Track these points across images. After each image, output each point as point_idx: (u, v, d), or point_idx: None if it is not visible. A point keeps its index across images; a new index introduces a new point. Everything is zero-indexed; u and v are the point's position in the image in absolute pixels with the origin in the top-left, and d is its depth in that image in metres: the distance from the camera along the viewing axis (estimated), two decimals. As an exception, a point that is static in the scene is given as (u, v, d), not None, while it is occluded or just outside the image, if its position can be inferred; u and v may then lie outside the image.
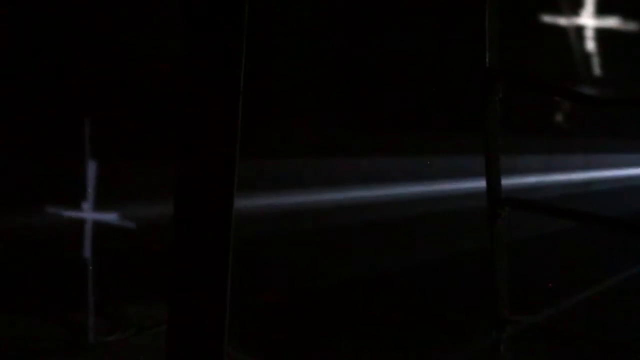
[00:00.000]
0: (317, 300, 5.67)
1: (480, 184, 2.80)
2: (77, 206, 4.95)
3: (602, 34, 9.99)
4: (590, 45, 10.00)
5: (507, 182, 2.75)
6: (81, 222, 4.92)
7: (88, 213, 4.91)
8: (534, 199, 2.97)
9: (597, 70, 10.15)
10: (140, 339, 4.79)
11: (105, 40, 6.20)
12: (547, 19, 9.72)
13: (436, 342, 4.98)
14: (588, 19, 9.91)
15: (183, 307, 2.19)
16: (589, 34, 9.98)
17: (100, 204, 4.95)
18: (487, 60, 2.72)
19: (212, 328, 2.17)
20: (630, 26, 9.97)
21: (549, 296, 5.73)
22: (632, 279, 6.46)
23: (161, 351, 2.23)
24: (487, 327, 2.78)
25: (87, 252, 4.85)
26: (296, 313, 5.36)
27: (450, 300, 5.71)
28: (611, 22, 9.94)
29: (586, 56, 10.04)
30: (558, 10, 9.77)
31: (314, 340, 4.87)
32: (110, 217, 4.96)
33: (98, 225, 4.91)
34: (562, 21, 9.85)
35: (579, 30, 9.96)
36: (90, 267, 4.83)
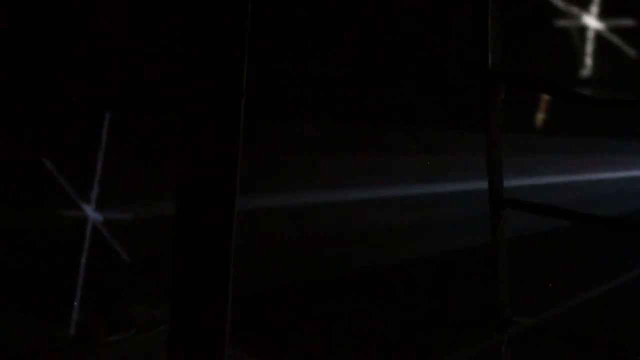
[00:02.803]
0: (317, 295, 5.67)
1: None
2: (79, 204, 4.96)
3: (605, 35, 9.99)
4: (594, 46, 10.00)
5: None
6: (83, 220, 4.93)
7: (90, 211, 4.92)
8: (535, 201, 2.97)
9: (600, 71, 10.15)
10: (142, 338, 4.79)
11: (108, 38, 6.20)
12: (551, 19, 9.72)
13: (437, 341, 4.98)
14: (592, 20, 9.91)
15: (185, 307, 2.20)
16: (593, 35, 9.98)
17: (103, 203, 4.96)
18: (489, 60, 2.72)
19: (214, 328, 2.18)
20: (634, 27, 9.97)
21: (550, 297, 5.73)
22: (635, 280, 6.46)
23: (163, 351, 2.23)
24: (488, 328, 2.78)
25: (89, 250, 4.86)
26: (293, 308, 5.36)
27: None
28: (616, 22, 9.93)
29: (590, 57, 10.04)
30: (561, 11, 9.77)
31: (311, 338, 4.86)
32: (112, 215, 4.97)
33: (100, 223, 4.92)
34: (566, 22, 9.85)
35: (583, 31, 9.95)
36: (92, 266, 4.83)
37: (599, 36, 10.14)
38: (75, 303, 4.82)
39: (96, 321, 4.83)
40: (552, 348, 4.70)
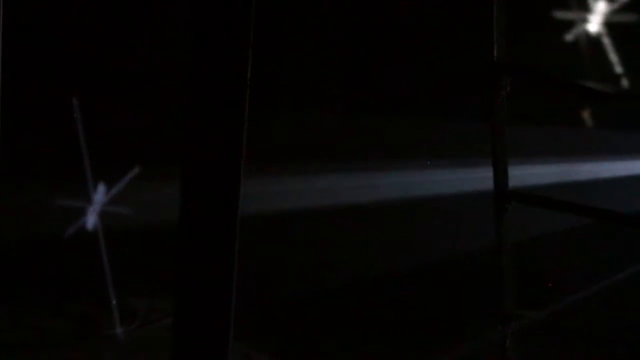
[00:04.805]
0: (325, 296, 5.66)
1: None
2: (83, 198, 4.96)
3: (611, 29, 9.96)
4: (600, 39, 9.97)
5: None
6: (87, 215, 4.93)
7: (94, 205, 4.93)
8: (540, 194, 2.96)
9: (606, 65, 10.12)
10: (146, 331, 4.80)
11: (111, 35, 6.20)
12: (556, 13, 9.69)
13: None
14: (597, 14, 9.89)
15: (189, 300, 2.19)
16: (598, 28, 9.95)
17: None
18: (494, 54, 2.71)
19: (218, 321, 2.18)
20: (637, 23, 9.95)
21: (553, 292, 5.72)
22: (637, 275, 6.45)
23: (167, 344, 2.23)
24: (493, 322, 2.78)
25: (94, 244, 4.87)
26: (298, 309, 5.35)
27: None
28: (621, 16, 9.91)
29: (595, 51, 10.01)
30: (567, 4, 9.74)
31: (316, 338, 4.86)
32: (115, 208, 4.98)
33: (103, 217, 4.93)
34: (571, 15, 9.82)
35: (588, 24, 9.93)
36: (97, 260, 4.84)
37: (605, 29, 10.11)
38: (78, 296, 4.83)
39: (101, 314, 4.83)
40: (555, 341, 4.70)
